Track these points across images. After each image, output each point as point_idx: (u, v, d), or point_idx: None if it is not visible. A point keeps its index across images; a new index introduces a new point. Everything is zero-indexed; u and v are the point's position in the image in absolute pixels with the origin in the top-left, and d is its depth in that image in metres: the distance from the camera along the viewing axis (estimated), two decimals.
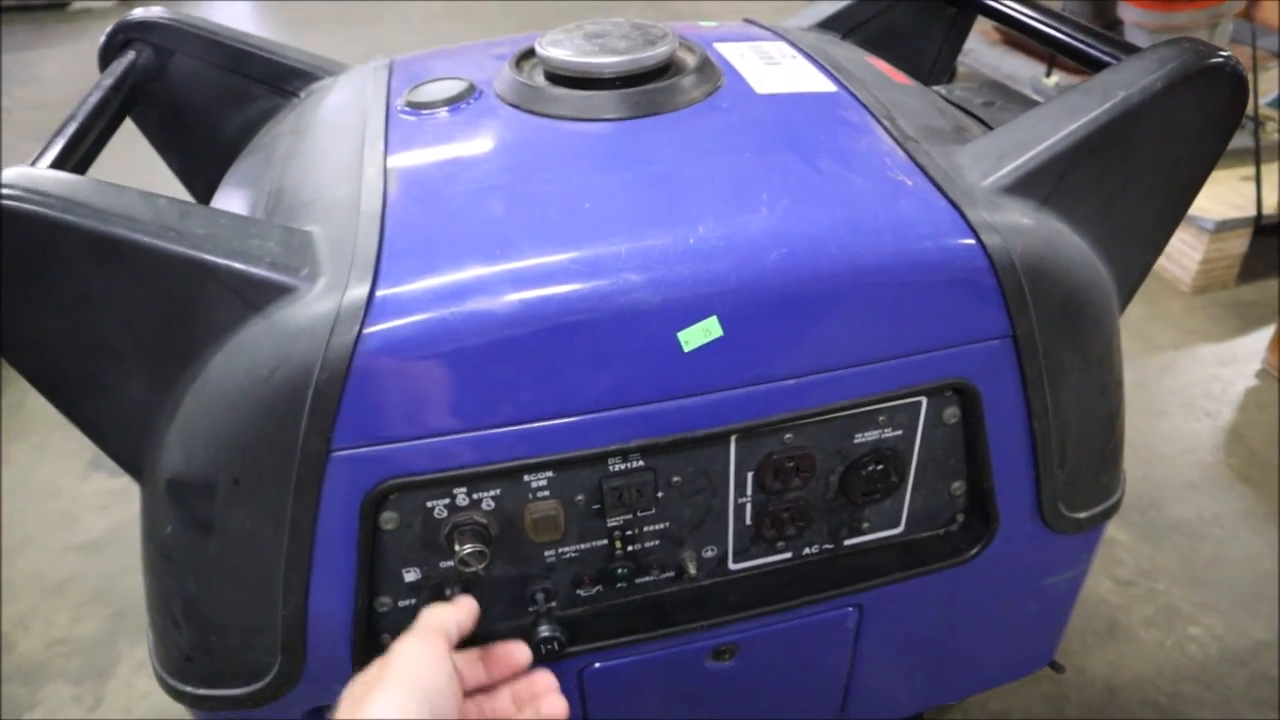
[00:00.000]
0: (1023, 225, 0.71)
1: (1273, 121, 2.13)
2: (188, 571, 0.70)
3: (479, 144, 0.78)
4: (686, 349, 0.65)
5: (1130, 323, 1.93)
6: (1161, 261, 2.05)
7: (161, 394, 0.66)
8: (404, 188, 0.72)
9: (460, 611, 0.69)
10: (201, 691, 0.74)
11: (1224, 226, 1.89)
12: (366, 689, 0.61)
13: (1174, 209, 0.77)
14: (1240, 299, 1.98)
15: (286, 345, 0.63)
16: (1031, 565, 0.89)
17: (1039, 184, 0.72)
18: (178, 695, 0.76)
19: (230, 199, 0.84)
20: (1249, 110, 2.10)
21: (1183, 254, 1.99)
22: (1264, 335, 1.83)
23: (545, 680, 0.71)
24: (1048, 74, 2.63)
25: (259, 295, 0.64)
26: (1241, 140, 2.05)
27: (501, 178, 0.72)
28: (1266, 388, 1.73)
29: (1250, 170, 1.93)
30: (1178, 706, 1.21)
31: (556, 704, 0.69)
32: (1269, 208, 1.91)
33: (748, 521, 0.78)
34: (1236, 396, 1.72)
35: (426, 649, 0.64)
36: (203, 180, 1.01)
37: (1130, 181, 0.74)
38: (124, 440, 0.68)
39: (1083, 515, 0.85)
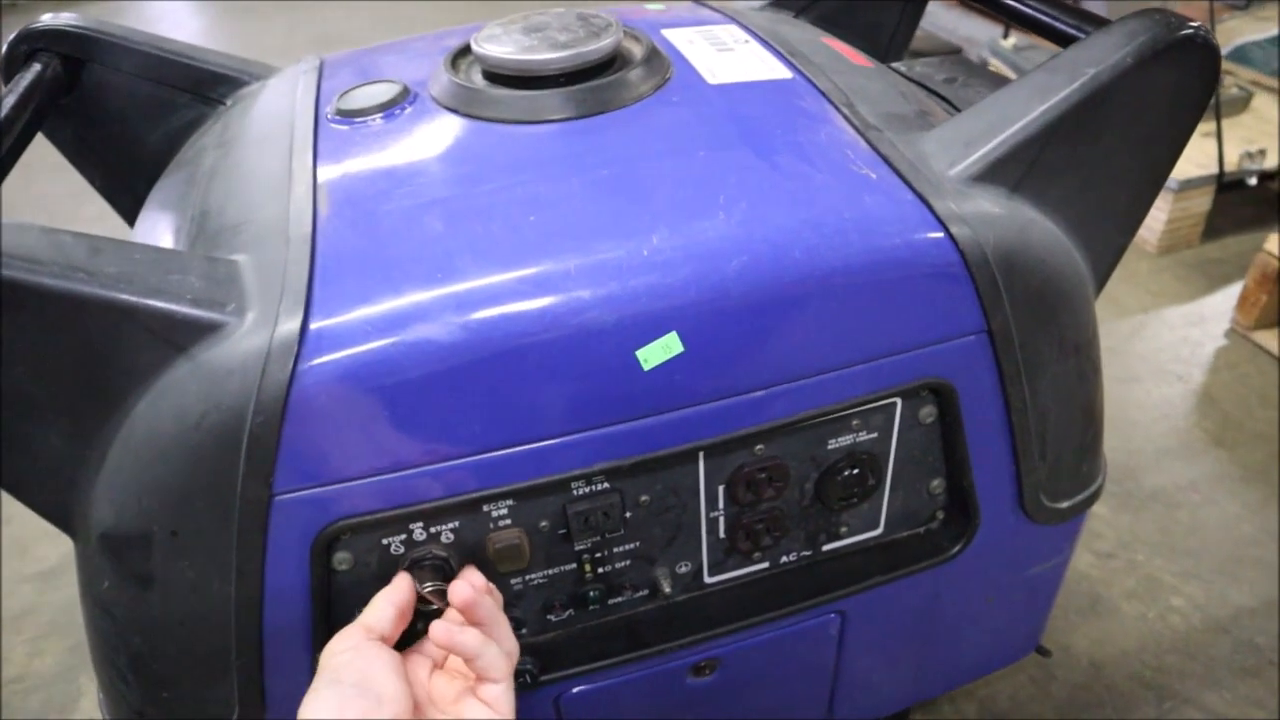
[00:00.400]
0: (993, 215, 0.67)
1: (1232, 76, 2.11)
2: (131, 627, 0.66)
3: (415, 154, 0.73)
4: (646, 367, 0.61)
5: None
6: None
7: (84, 446, 0.61)
8: (336, 207, 0.67)
9: (392, 593, 0.64)
10: None
11: (1188, 185, 1.87)
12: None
13: (1148, 187, 0.75)
14: (1206, 257, 1.98)
15: (216, 388, 0.58)
16: (1014, 557, 0.87)
17: (1009, 171, 0.68)
18: None
19: (155, 224, 0.79)
20: None
21: (1149, 214, 1.97)
22: (1231, 293, 1.82)
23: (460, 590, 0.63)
24: (1005, 35, 2.60)
25: (182, 335, 0.59)
26: None
27: (440, 190, 0.67)
28: (1236, 347, 1.73)
29: (1211, 127, 1.91)
30: (1163, 679, 1.20)
31: (457, 590, 0.61)
32: (1230, 164, 1.90)
33: (721, 535, 0.75)
34: (1207, 358, 1.71)
35: (336, 639, 0.61)
36: (129, 196, 0.95)
37: (1103, 162, 0.71)
38: (49, 495, 0.64)
39: (1065, 505, 0.83)
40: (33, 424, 0.60)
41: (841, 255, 0.63)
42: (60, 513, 0.64)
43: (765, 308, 0.62)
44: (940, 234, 0.65)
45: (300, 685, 0.69)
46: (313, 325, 0.59)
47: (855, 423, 0.72)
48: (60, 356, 0.58)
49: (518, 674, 0.71)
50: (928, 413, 0.74)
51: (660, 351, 0.61)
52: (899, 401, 0.72)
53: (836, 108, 0.75)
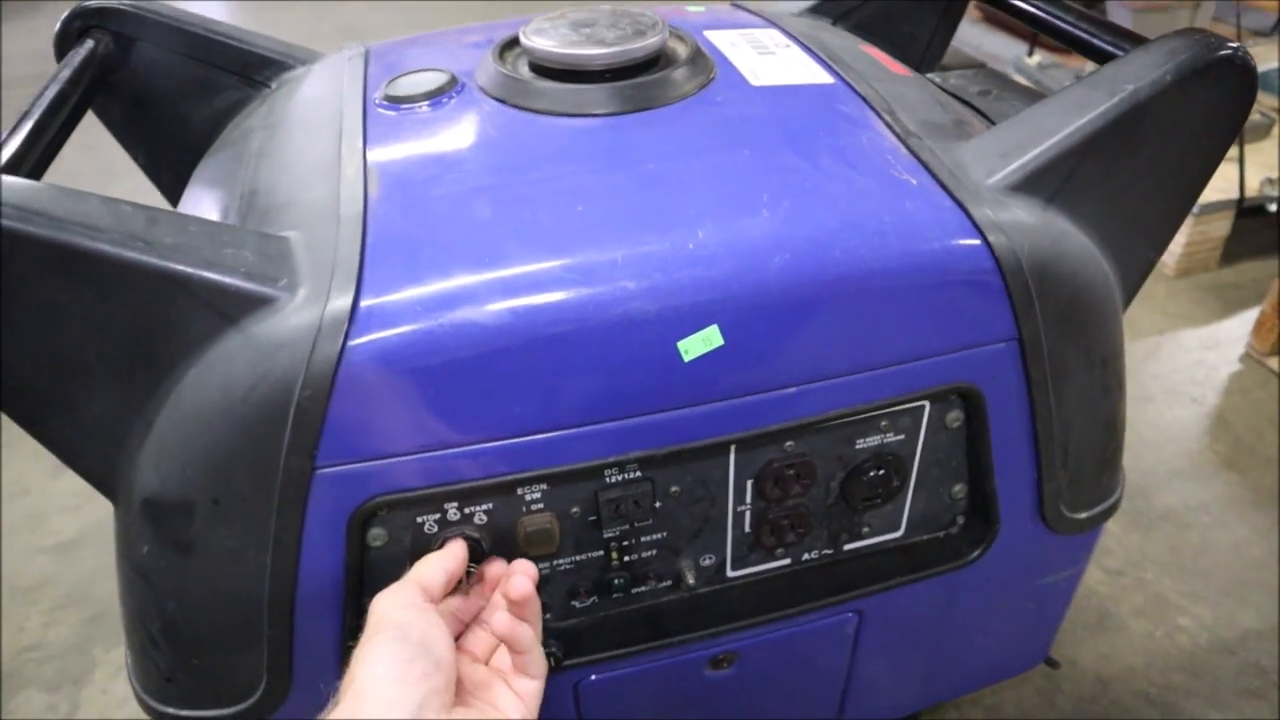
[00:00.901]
0: (1029, 224, 0.68)
1: (1257, 102, 2.12)
2: (166, 592, 0.67)
3: (463, 141, 0.74)
4: (686, 359, 0.62)
5: None
6: None
7: (133, 412, 0.63)
8: (386, 189, 0.69)
9: (446, 559, 0.65)
10: (183, 713, 0.72)
11: (1207, 209, 1.88)
12: (357, 650, 0.58)
13: (1180, 205, 0.76)
14: (1222, 281, 1.98)
15: (265, 360, 0.60)
16: (1031, 565, 0.88)
17: (1045, 182, 0.70)
18: (158, 717, 0.73)
19: (200, 200, 0.80)
20: None
21: None
22: (1246, 318, 1.83)
23: (518, 584, 0.63)
24: (1030, 53, 2.61)
25: (234, 307, 0.60)
26: None
27: (488, 178, 0.69)
28: (1250, 372, 1.74)
29: (1233, 152, 1.92)
30: (1168, 697, 1.21)
31: (517, 584, 0.62)
32: (1250, 190, 1.90)
33: (747, 529, 0.76)
34: (1221, 381, 1.72)
35: (392, 593, 0.61)
36: (171, 174, 0.97)
37: (1137, 178, 0.72)
38: (95, 459, 0.65)
39: (1083, 515, 0.84)
40: (83, 388, 0.61)
41: (880, 257, 0.64)
42: (103, 477, 0.66)
43: (804, 305, 0.63)
44: (977, 241, 0.66)
45: (327, 661, 0.70)
46: (363, 303, 0.60)
47: (883, 424, 0.73)
48: (115, 324, 0.59)
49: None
50: (954, 417, 0.75)
51: (701, 344, 0.62)
52: (927, 405, 0.73)
53: (877, 113, 0.76)
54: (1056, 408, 0.74)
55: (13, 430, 0.63)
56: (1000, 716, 1.19)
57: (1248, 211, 1.93)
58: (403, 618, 0.59)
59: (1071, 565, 0.92)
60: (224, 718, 0.71)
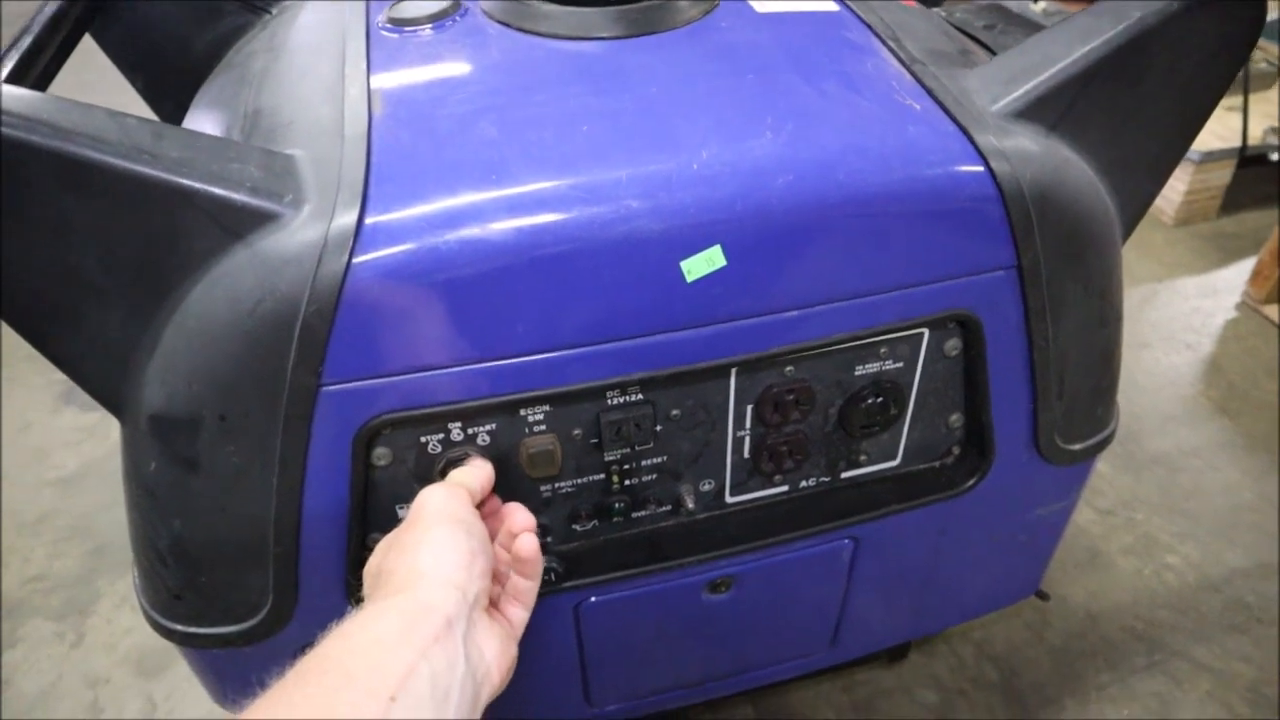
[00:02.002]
0: (1031, 152, 0.68)
1: (1261, 51, 2.10)
2: (173, 509, 0.68)
3: (467, 64, 0.74)
4: (689, 279, 0.63)
5: None
6: None
7: (140, 327, 0.63)
8: (390, 109, 0.69)
9: (481, 475, 0.67)
10: (191, 629, 0.73)
11: (1209, 158, 1.87)
12: (403, 540, 0.60)
13: (1182, 136, 0.75)
14: (1222, 231, 1.98)
15: (271, 276, 0.60)
16: (1024, 496, 0.89)
17: (1049, 109, 0.69)
18: (166, 633, 0.74)
19: (203, 121, 0.80)
20: None
21: (1167, 185, 1.97)
22: (1244, 267, 1.83)
23: (522, 519, 0.67)
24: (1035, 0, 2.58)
25: (240, 223, 0.61)
26: None
27: (493, 99, 0.69)
28: (1246, 319, 1.74)
29: (1237, 100, 1.91)
30: (1154, 632, 1.24)
31: (527, 543, 0.64)
32: (1253, 139, 1.90)
33: (746, 455, 0.77)
34: (1216, 329, 1.73)
35: (449, 491, 0.63)
36: (170, 101, 0.96)
37: (1141, 107, 0.72)
38: (102, 376, 0.65)
39: (1077, 447, 0.85)
40: (89, 303, 0.62)
41: (884, 181, 0.64)
42: (109, 393, 0.66)
43: (807, 227, 0.63)
44: (980, 167, 0.66)
45: (332, 581, 0.71)
46: (368, 220, 0.60)
47: (883, 351, 0.74)
48: (122, 237, 0.59)
49: (544, 571, 0.73)
50: (953, 345, 0.75)
51: (704, 264, 0.62)
52: (926, 332, 0.74)
53: (882, 40, 0.76)
54: (1054, 338, 0.75)
55: (13, 367, 0.64)
56: (991, 650, 1.21)
57: (1249, 160, 1.93)
58: (466, 515, 0.61)
59: (1064, 497, 0.93)
60: (231, 635, 0.73)
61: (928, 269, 0.69)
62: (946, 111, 0.68)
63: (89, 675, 1.20)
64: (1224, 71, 0.73)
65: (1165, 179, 0.78)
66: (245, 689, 0.81)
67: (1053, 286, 0.72)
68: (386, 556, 0.60)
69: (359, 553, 0.71)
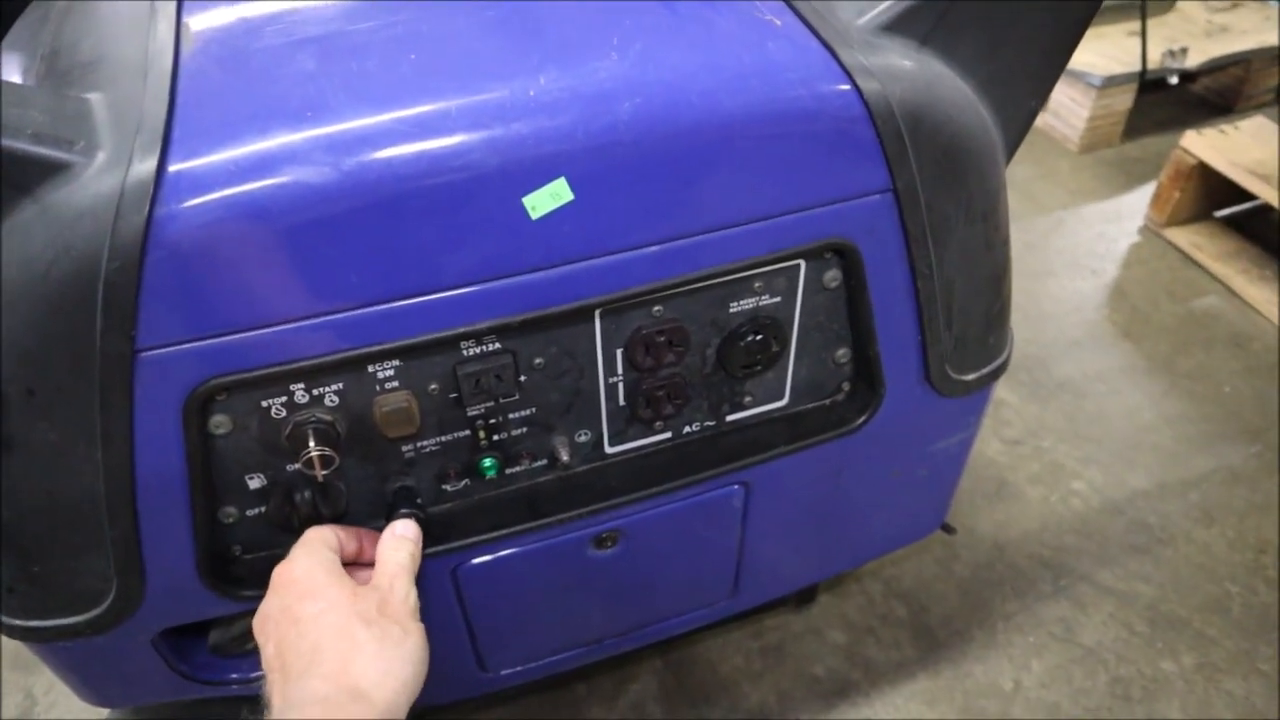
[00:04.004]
0: (901, 68, 0.65)
1: None
2: None
3: None
4: (534, 216, 0.58)
5: (1019, 183, 1.92)
6: (1049, 120, 2.04)
7: None
8: (201, 44, 0.62)
9: (339, 530, 0.66)
10: (31, 624, 0.68)
11: (1110, 82, 1.87)
12: (295, 611, 0.58)
13: (1061, 49, 0.72)
14: (1125, 156, 1.99)
15: (65, 232, 0.54)
16: (920, 430, 0.87)
17: (917, 21, 0.66)
18: (7, 630, 0.69)
19: (1, 68, 0.72)
20: None
21: (1070, 112, 1.98)
22: (1147, 191, 1.84)
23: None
24: None
25: (23, 175, 0.54)
26: None
27: (314, 28, 0.63)
28: (1148, 243, 1.76)
29: (1137, 25, 1.91)
30: (1060, 558, 1.25)
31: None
32: (1152, 63, 1.90)
33: (621, 402, 0.74)
34: (1120, 253, 1.74)
35: (317, 557, 0.62)
36: None
37: (1014, 19, 0.68)
38: None
39: (970, 377, 0.83)
40: None
41: (740, 101, 0.60)
42: None
43: (659, 154, 0.59)
44: (846, 85, 0.62)
45: (182, 556, 0.66)
46: (171, 167, 0.54)
47: (757, 285, 0.70)
48: None
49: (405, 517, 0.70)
50: (832, 277, 0.72)
51: (548, 199, 0.58)
52: (802, 264, 0.70)
53: None
54: (938, 265, 0.72)
55: None
56: (899, 586, 1.21)
57: (1150, 85, 1.93)
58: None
59: (962, 430, 0.91)
60: (75, 626, 0.67)
61: (797, 196, 0.65)
62: (809, 26, 0.64)
63: None
64: None
65: (1046, 94, 0.76)
66: (110, 683, 0.77)
67: (933, 210, 0.69)
68: (281, 632, 0.57)
69: (208, 529, 0.66)
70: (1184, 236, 1.73)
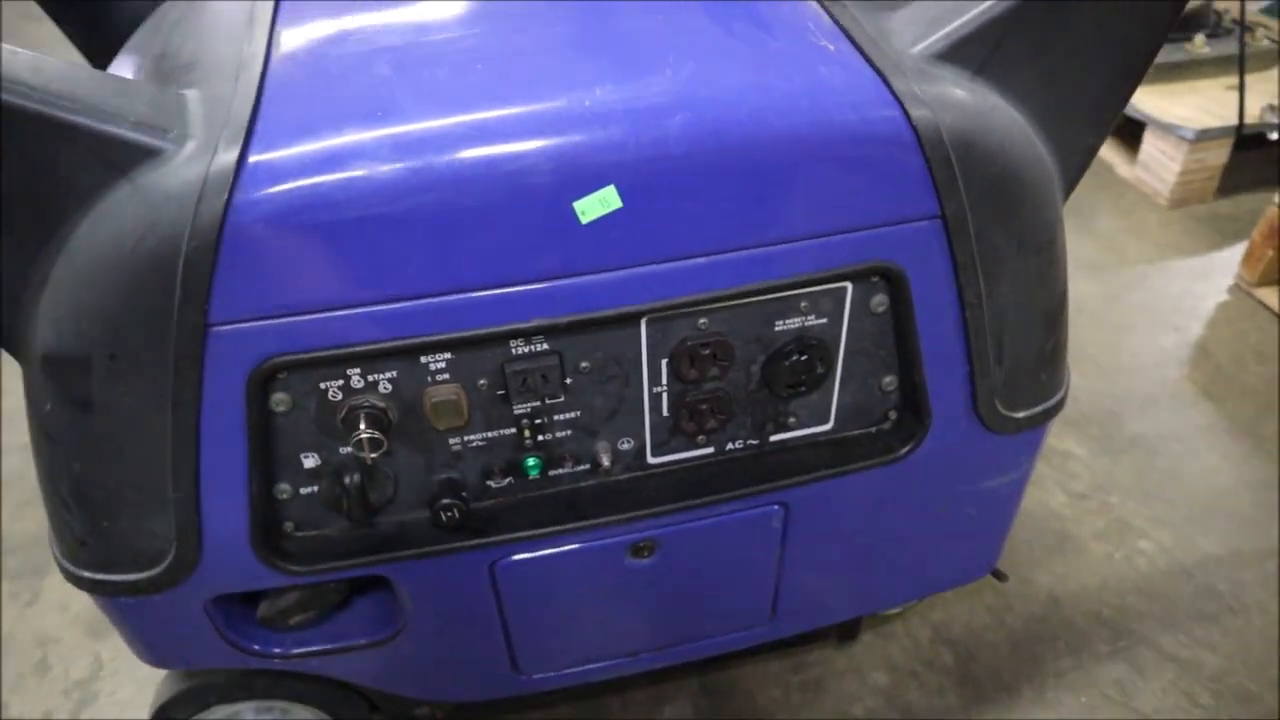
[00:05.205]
0: (954, 96, 0.66)
1: (1263, 29, 2.04)
2: (71, 452, 0.67)
3: (372, 8, 0.72)
4: (584, 221, 0.61)
5: (1104, 236, 1.88)
6: (1139, 173, 1.99)
7: (27, 264, 0.62)
8: (290, 50, 0.67)
9: None
10: (98, 576, 0.72)
11: (1204, 136, 1.82)
12: None
13: (1122, 83, 0.72)
14: (1217, 213, 1.93)
15: (153, 212, 0.59)
16: (967, 466, 0.86)
17: (973, 51, 0.67)
18: (76, 580, 0.73)
19: (119, 68, 0.79)
20: (1236, 15, 2.02)
21: (1161, 165, 1.93)
22: (1239, 249, 1.78)
23: None
24: None
25: (124, 158, 0.60)
26: (1228, 48, 1.98)
27: (393, 38, 0.67)
28: (1237, 302, 1.70)
29: (1234, 79, 1.86)
30: (1120, 618, 1.20)
31: None
32: (1251, 117, 1.84)
33: (665, 413, 0.75)
34: (1207, 311, 1.68)
35: None
36: (110, 58, 0.95)
37: (1074, 50, 0.69)
38: None
39: (1021, 414, 0.82)
40: None
41: (789, 121, 0.62)
42: (6, 332, 0.65)
43: (707, 168, 0.61)
44: (894, 111, 0.64)
45: (237, 526, 0.70)
46: (251, 158, 0.59)
47: (803, 305, 0.72)
48: (2, 168, 0.58)
49: (446, 508, 0.71)
50: (879, 301, 0.73)
51: (598, 205, 0.60)
52: (849, 286, 0.71)
53: None
54: (987, 295, 0.73)
55: None
56: (948, 633, 1.18)
57: (1247, 141, 1.87)
58: None
59: (1013, 469, 0.90)
60: (136, 583, 0.72)
61: (843, 217, 0.67)
62: (862, 52, 0.66)
63: (40, 634, 1.20)
64: (1163, 11, 0.70)
65: (1106, 130, 0.75)
66: (164, 642, 0.81)
67: (982, 240, 0.70)
68: None
69: (264, 503, 0.70)
70: (1276, 297, 1.67)
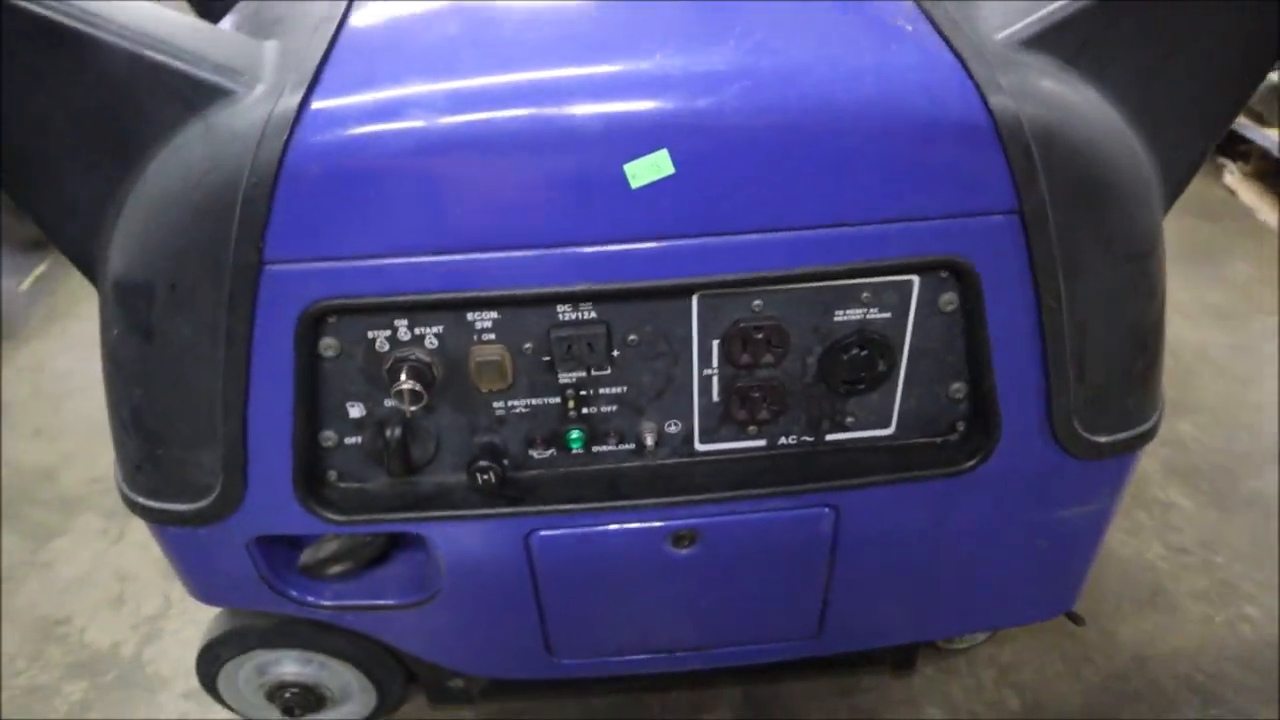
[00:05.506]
0: (1039, 86, 0.62)
1: None
2: (133, 377, 0.70)
3: None
4: (634, 185, 0.60)
5: (1239, 283, 1.75)
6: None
7: (106, 191, 0.65)
8: (366, 8, 0.69)
9: None
10: (149, 503, 0.75)
11: None
12: None
13: (1233, 86, 0.67)
14: None
15: (219, 149, 0.61)
16: (1040, 490, 0.80)
17: (1064, 39, 0.63)
18: (130, 504, 0.77)
19: (225, 23, 0.82)
20: None
21: None
22: None
23: None
24: None
25: (198, 97, 0.62)
26: None
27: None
28: None
29: None
30: (1214, 686, 1.10)
31: None
32: None
33: (715, 398, 0.73)
34: None
35: None
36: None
37: (1180, 43, 0.64)
38: (75, 236, 0.68)
39: (1104, 439, 0.76)
40: (65, 161, 0.64)
41: (853, 98, 0.59)
42: (85, 257, 0.69)
43: (764, 139, 0.59)
44: (970, 96, 0.60)
45: (281, 467, 0.72)
46: (313, 104, 0.60)
47: (865, 296, 0.68)
48: (89, 98, 0.61)
49: (483, 470, 0.71)
50: (948, 300, 0.69)
51: (649, 169, 0.59)
52: (915, 279, 0.68)
53: None
54: (1068, 302, 0.68)
55: None
56: (1016, 677, 1.11)
57: None
58: None
59: (1093, 500, 0.84)
60: (183, 513, 0.74)
61: (910, 204, 0.63)
62: (942, 35, 0.63)
63: (120, 570, 1.26)
64: None
65: (1216, 136, 0.70)
66: (210, 578, 0.84)
67: (1065, 241, 0.65)
68: None
69: (308, 447, 0.72)
70: None
